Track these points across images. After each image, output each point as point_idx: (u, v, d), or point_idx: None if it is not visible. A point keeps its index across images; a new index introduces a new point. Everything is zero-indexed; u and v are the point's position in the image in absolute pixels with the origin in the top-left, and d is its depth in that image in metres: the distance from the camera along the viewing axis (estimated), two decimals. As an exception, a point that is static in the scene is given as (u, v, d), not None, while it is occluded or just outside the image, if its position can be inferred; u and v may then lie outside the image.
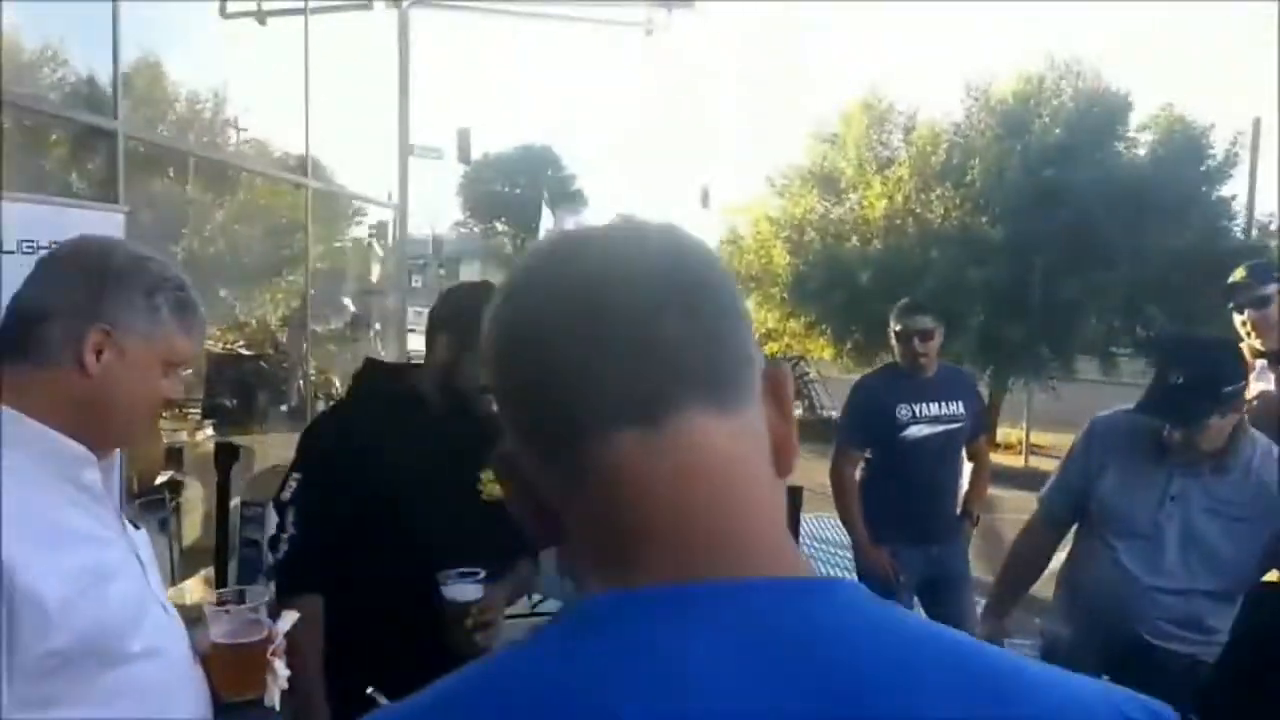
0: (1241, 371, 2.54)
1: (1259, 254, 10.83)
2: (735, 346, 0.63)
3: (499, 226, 65.27)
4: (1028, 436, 10.81)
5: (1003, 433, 11.04)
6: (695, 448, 0.61)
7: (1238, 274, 3.78)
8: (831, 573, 3.73)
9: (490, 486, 2.12)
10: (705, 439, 0.61)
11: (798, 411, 11.90)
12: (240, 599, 1.55)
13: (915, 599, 4.03)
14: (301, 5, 6.14)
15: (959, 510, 4.04)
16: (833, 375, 12.06)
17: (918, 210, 10.69)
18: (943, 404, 3.93)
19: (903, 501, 3.93)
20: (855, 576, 4.15)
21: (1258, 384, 3.57)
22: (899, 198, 10.66)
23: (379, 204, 6.87)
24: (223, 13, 6.70)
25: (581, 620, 0.59)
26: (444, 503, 2.03)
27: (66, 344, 1.32)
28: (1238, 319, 3.75)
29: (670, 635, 0.55)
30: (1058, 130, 10.23)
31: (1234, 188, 11.46)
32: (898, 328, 3.94)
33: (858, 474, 3.99)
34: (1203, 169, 10.95)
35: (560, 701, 0.55)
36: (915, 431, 3.89)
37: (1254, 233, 11.22)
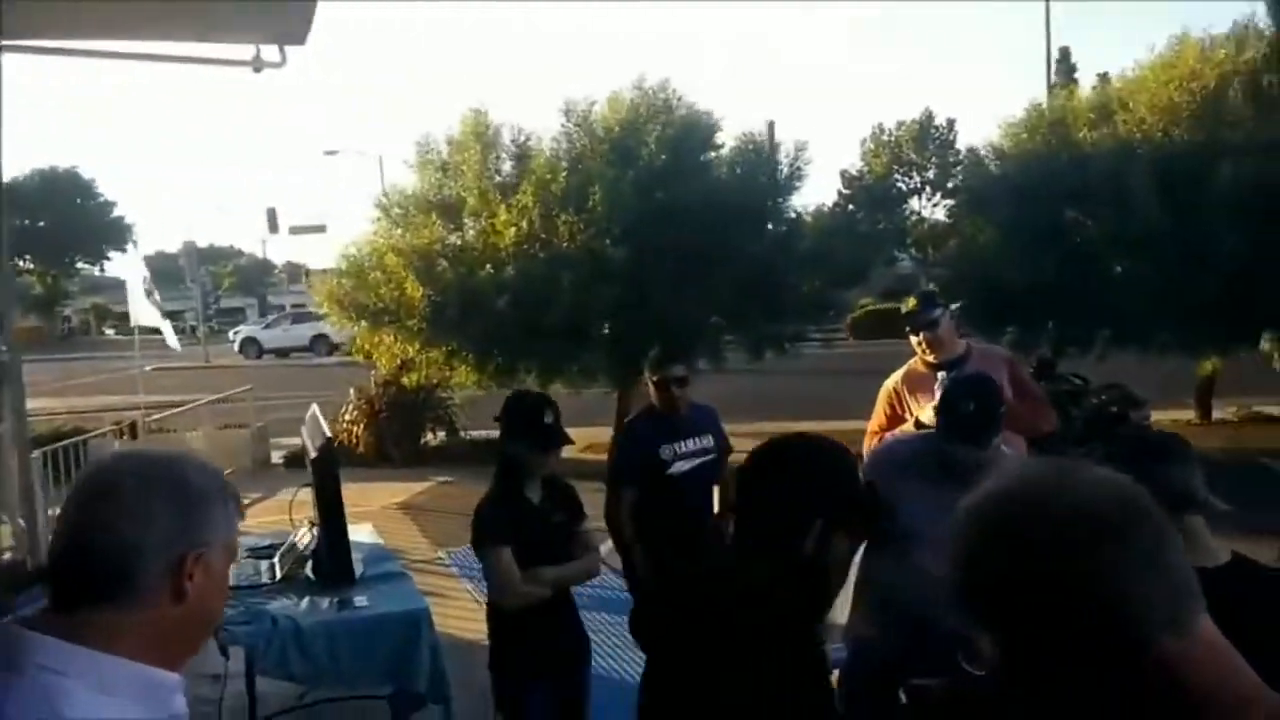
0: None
1: (823, 258, 12.52)
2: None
3: (22, 264, 57.62)
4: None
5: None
6: (1212, 641, 0.89)
7: (910, 303, 4.57)
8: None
9: None
10: (1211, 633, 0.90)
11: (441, 436, 11.67)
12: None
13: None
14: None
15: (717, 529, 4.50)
16: (476, 397, 12.25)
17: (544, 235, 11.21)
18: (698, 439, 4.37)
19: (673, 530, 4.32)
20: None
21: (940, 391, 4.38)
22: (525, 224, 11.10)
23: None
24: None
25: None
26: None
27: (162, 578, 1.27)
28: (914, 340, 4.54)
29: None
30: (663, 156, 11.22)
31: (799, 196, 13.15)
32: (655, 378, 4.33)
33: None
34: (772, 181, 12.49)
35: None
36: (679, 467, 4.30)
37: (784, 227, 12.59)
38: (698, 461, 4.37)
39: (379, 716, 3.87)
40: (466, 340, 11.23)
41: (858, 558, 3.38)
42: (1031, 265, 10.86)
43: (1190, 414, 12.57)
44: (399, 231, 12.08)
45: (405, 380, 12.37)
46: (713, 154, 12.19)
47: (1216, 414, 12.70)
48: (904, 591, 3.20)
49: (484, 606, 3.71)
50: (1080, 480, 0.97)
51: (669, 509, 4.29)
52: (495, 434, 3.69)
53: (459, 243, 12.02)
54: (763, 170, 12.39)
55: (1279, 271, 9.78)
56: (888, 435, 3.74)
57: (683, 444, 4.33)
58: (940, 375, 4.42)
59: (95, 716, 1.19)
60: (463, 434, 12.74)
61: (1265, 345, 11.71)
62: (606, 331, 11.40)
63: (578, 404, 12.74)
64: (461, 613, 5.86)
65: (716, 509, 4.58)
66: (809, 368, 15.19)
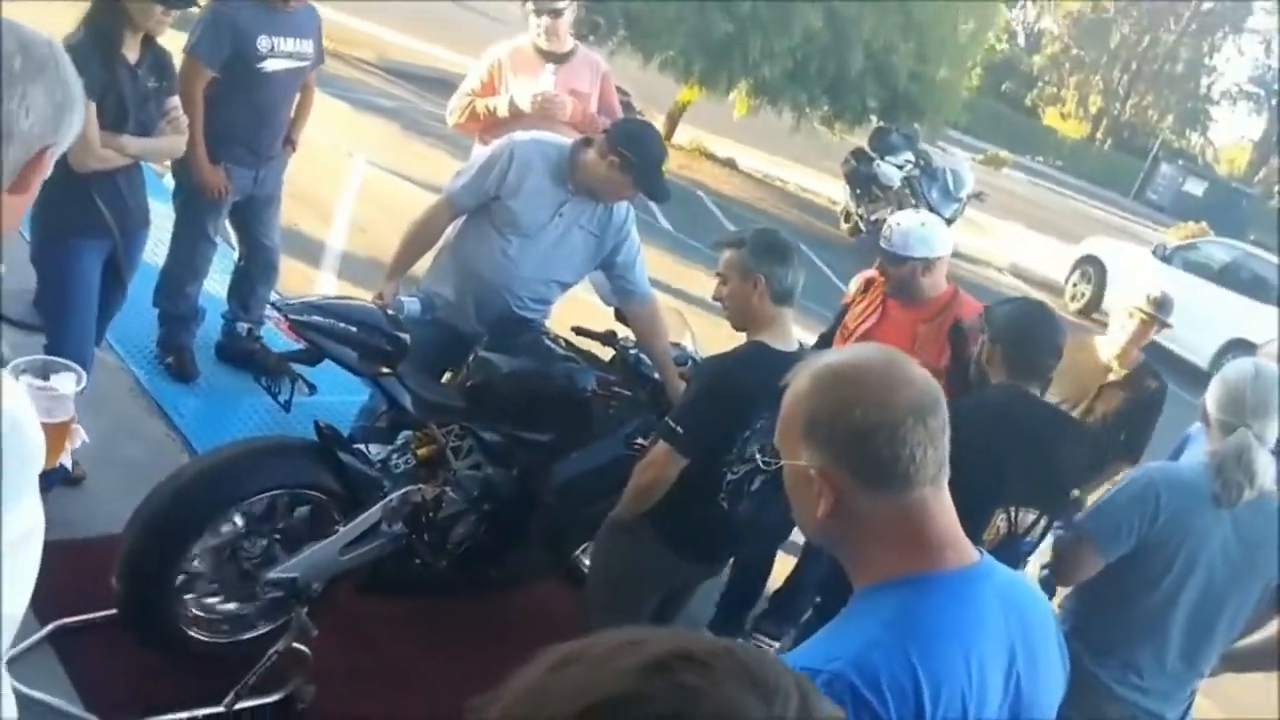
0: None
1: None
2: None
3: None
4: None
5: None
6: (948, 499, 1.35)
7: None
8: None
9: None
10: (947, 494, 1.35)
11: None
12: (33, 369, 1.56)
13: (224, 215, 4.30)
14: None
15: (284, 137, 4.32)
16: None
17: None
18: (298, 41, 4.08)
19: (246, 127, 4.09)
20: (175, 190, 4.21)
21: (542, 83, 4.55)
22: None
23: None
24: None
25: (940, 586, 1.29)
26: None
27: (17, 167, 1.22)
28: (534, 20, 4.60)
29: (982, 593, 1.31)
30: None
31: None
32: None
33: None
34: None
35: (968, 623, 1.27)
36: (272, 65, 4.01)
37: None
38: (294, 65, 4.09)
39: None
40: None
41: (456, 226, 3.61)
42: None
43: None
44: None
45: None
46: None
47: (676, 138, 14.33)
48: (489, 270, 3.50)
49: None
50: (906, 372, 1.33)
51: (248, 102, 4.02)
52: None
53: None
54: None
55: (773, 26, 11.34)
56: (520, 133, 3.75)
57: (283, 41, 4.01)
58: (548, 67, 4.57)
59: None
60: None
61: (733, 95, 13.32)
62: None
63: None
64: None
65: (294, 114, 4.37)
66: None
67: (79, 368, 1.57)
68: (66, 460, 1.59)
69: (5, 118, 1.15)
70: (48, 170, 1.26)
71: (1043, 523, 2.71)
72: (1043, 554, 2.76)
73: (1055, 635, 1.41)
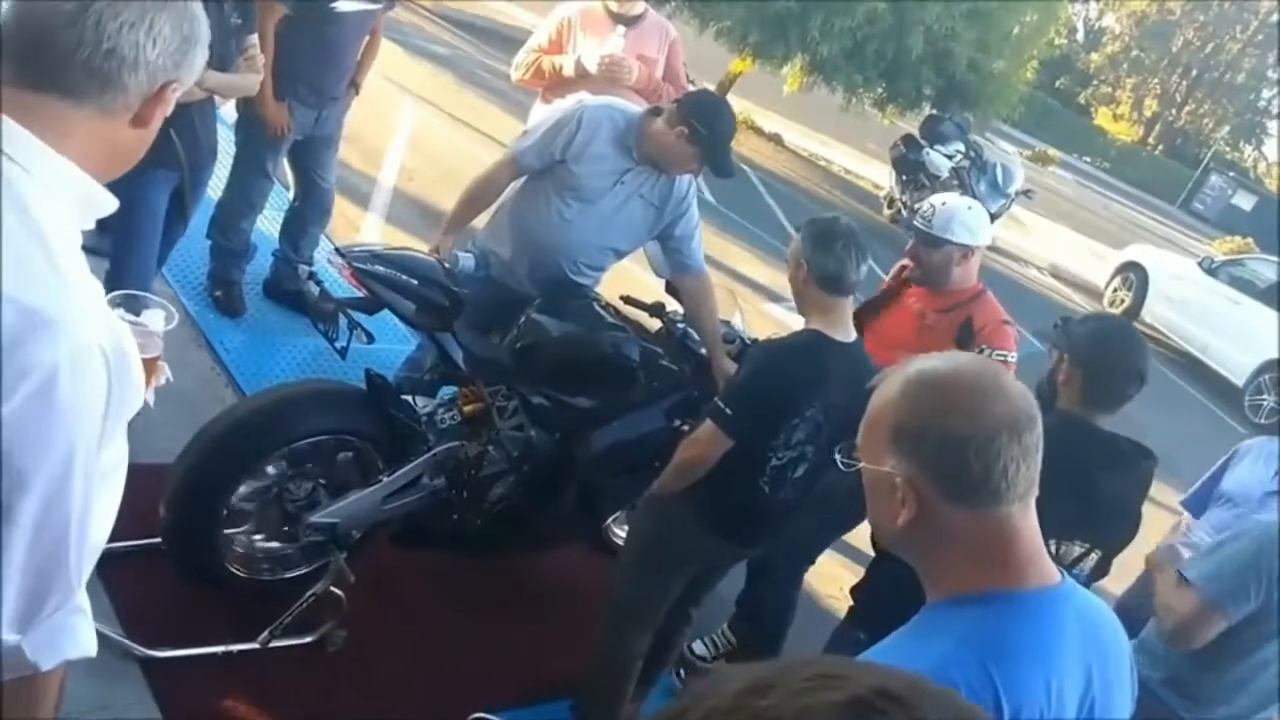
0: None
1: None
2: None
3: None
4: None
5: None
6: (1034, 518, 1.34)
7: None
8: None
9: None
10: (1034, 513, 1.34)
11: None
12: (127, 304, 1.57)
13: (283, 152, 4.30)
14: None
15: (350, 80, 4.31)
16: None
17: None
18: (372, -17, 4.05)
19: (313, 66, 4.08)
20: (237, 124, 4.21)
21: (610, 45, 4.51)
22: None
23: None
24: None
25: (1022, 605, 1.28)
26: None
27: (137, 98, 1.23)
28: None
29: (1063, 615, 1.30)
30: None
31: None
32: None
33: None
34: None
35: (1050, 645, 1.26)
36: (344, 5, 3.99)
37: None
38: (365, 7, 4.06)
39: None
40: None
41: (516, 185, 3.59)
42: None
43: (705, 98, 13.87)
44: None
45: None
46: None
47: (724, 108, 14.16)
48: (546, 233, 3.49)
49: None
50: (1001, 384, 1.31)
51: (317, 41, 4.01)
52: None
53: None
54: None
55: (835, 4, 11.29)
56: (587, 97, 3.73)
57: (358, -18, 3.99)
58: (618, 29, 4.53)
59: (46, 211, 1.15)
60: None
61: (785, 70, 13.15)
62: None
63: None
64: None
65: (360, 57, 4.36)
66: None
67: (168, 306, 1.59)
68: (150, 397, 1.61)
69: (132, 45, 1.16)
70: (169, 108, 1.27)
71: (1094, 555, 2.57)
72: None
73: (1129, 661, 1.40)
